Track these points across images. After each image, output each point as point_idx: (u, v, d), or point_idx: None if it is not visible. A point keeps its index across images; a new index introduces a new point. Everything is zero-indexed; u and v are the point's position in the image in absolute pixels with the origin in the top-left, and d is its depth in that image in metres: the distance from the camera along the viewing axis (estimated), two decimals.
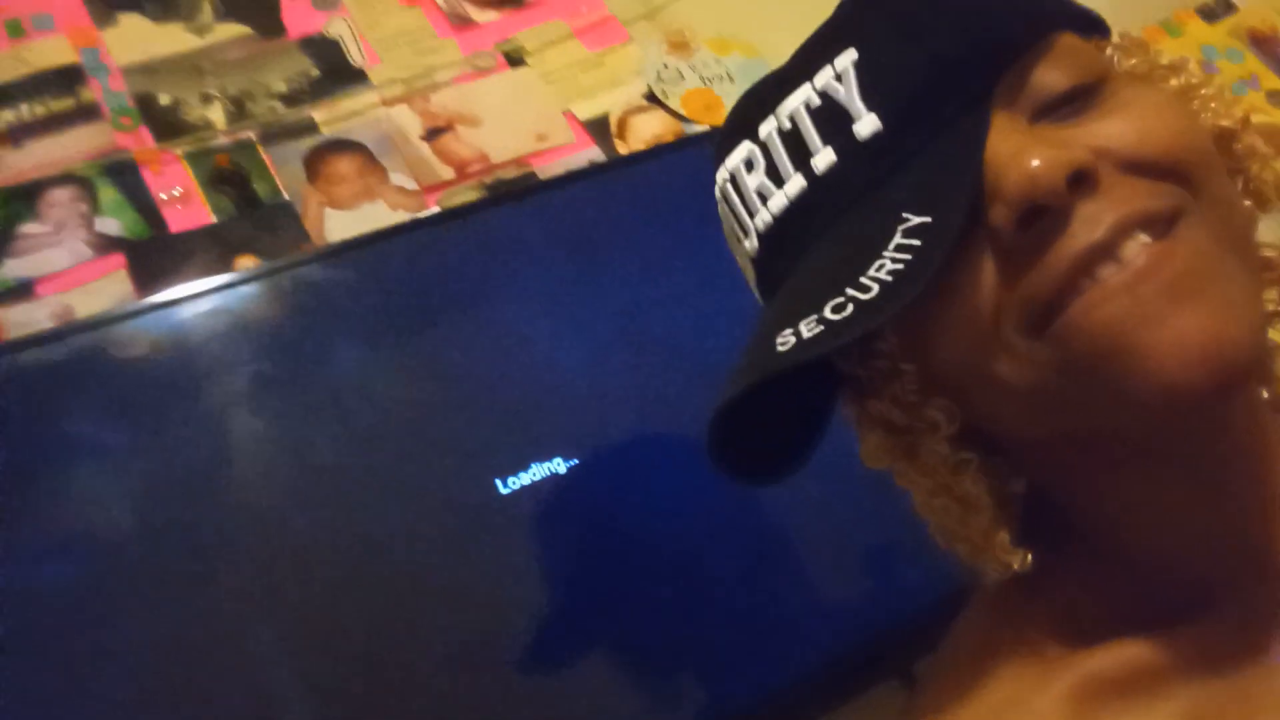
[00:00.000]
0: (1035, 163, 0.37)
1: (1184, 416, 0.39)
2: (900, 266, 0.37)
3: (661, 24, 1.18)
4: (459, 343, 0.86)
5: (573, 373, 0.86)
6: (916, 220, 0.39)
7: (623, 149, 1.08)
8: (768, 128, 0.45)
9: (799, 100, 0.43)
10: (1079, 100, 0.41)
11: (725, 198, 0.48)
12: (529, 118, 1.08)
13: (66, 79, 1.00)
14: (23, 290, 0.88)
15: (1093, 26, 0.46)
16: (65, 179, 0.94)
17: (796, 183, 0.43)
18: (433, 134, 1.05)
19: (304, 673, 0.74)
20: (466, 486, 0.79)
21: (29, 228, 0.91)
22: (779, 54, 0.47)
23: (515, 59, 1.12)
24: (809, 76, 0.43)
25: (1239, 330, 0.36)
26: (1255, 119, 0.46)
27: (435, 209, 1.00)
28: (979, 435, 0.45)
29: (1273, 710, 0.42)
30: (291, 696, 0.73)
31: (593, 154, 1.07)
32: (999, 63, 0.41)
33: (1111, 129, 0.40)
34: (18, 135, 0.96)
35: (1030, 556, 0.44)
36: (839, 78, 0.42)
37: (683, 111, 1.11)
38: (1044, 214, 0.38)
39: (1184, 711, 0.43)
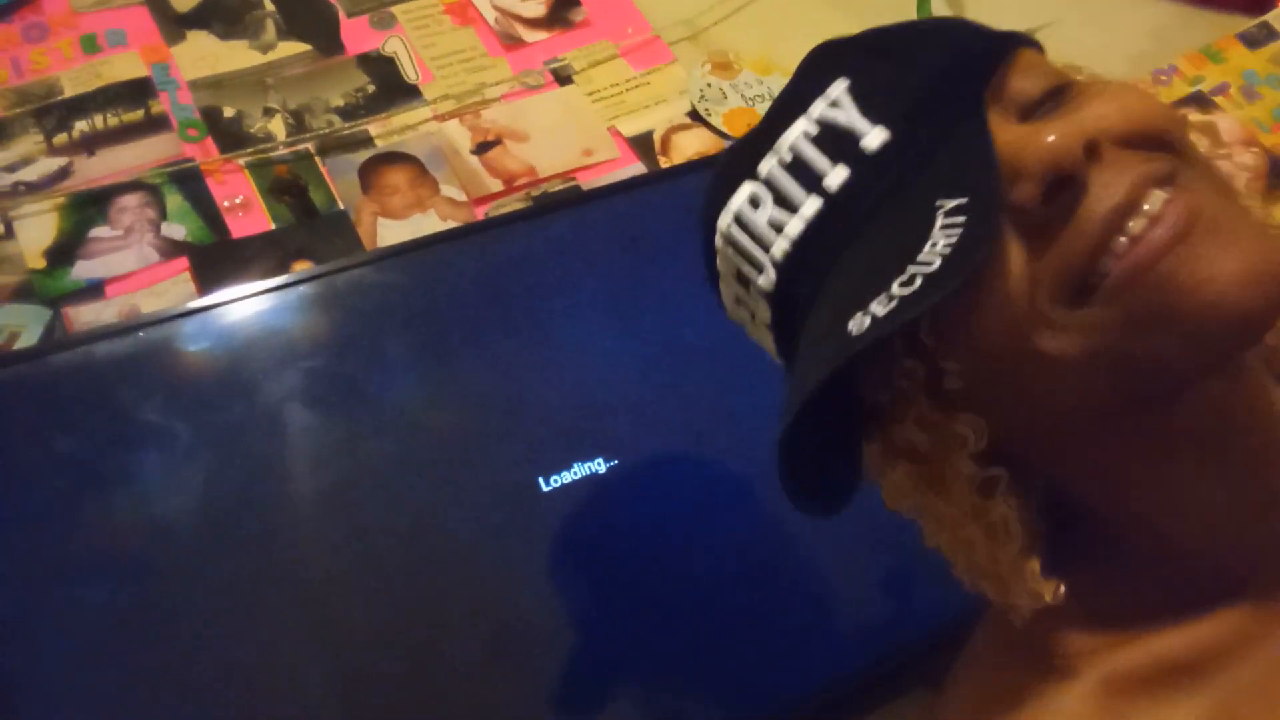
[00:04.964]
0: (1051, 138, 0.39)
1: (1247, 343, 0.42)
2: (954, 239, 0.38)
3: (705, 46, 1.21)
4: (510, 346, 0.88)
5: (617, 378, 0.88)
6: (954, 202, 0.40)
7: (666, 165, 1.11)
8: (768, 164, 0.46)
9: (797, 132, 0.45)
10: (1055, 100, 0.43)
11: (731, 241, 0.48)
12: (575, 133, 1.11)
13: (137, 92, 1.05)
14: (93, 290, 0.93)
15: (1038, 48, 0.48)
16: (135, 186, 0.99)
17: (812, 204, 0.44)
18: (482, 148, 1.08)
19: (348, 660, 0.76)
20: (510, 483, 0.82)
21: (100, 231, 0.96)
22: None
23: (563, 77, 1.16)
24: (801, 111, 0.45)
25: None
26: (1193, 118, 0.48)
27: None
28: (1003, 454, 0.45)
29: None
30: (336, 685, 0.76)
31: (637, 169, 1.09)
32: (984, 72, 0.44)
33: (1098, 111, 0.41)
34: (91, 144, 1.01)
35: (1062, 589, 0.44)
36: (835, 104, 0.44)
37: (725, 129, 1.14)
38: (1065, 186, 0.39)
39: (1212, 706, 0.42)
